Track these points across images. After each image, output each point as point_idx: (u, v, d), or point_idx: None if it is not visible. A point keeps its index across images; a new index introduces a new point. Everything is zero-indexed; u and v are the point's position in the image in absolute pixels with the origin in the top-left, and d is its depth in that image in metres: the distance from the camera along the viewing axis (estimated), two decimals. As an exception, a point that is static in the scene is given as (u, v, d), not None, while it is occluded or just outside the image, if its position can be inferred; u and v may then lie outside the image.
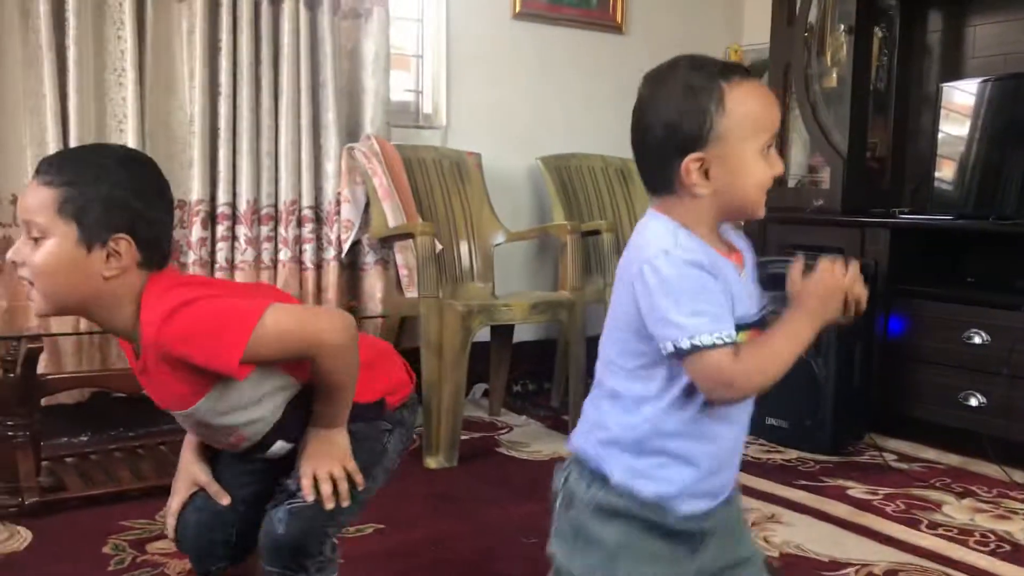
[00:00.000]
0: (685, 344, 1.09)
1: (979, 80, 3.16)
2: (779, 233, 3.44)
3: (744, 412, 1.24)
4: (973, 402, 2.79)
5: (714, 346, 1.09)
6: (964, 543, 2.15)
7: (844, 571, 1.98)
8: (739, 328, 1.15)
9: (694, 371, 1.11)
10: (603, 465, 1.18)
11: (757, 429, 3.03)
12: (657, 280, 1.10)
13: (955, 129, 3.20)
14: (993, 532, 2.23)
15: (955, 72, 3.36)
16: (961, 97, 3.19)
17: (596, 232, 3.23)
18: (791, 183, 3.62)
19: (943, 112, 3.22)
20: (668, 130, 1.15)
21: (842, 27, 3.41)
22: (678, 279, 1.10)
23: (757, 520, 2.27)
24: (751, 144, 1.14)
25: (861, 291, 1.21)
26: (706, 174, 1.14)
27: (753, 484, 2.56)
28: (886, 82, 3.49)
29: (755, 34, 3.99)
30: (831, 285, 1.20)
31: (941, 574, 1.97)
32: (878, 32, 3.44)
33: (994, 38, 3.26)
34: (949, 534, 2.21)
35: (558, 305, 2.92)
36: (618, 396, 1.19)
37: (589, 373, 3.11)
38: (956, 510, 2.39)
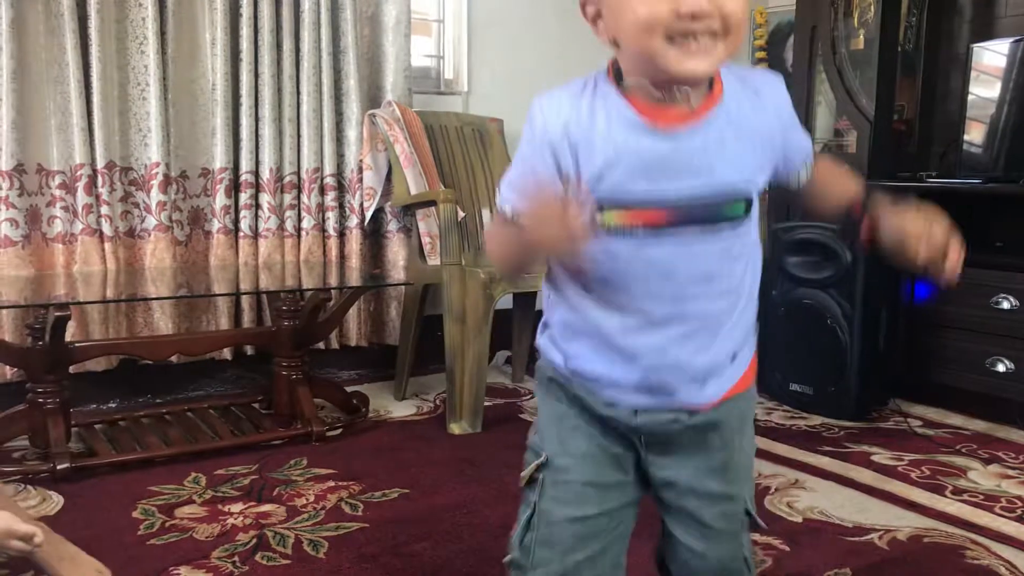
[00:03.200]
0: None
1: (1011, 40, 3.09)
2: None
3: (640, 303, 1.03)
4: (1000, 368, 2.77)
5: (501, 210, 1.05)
6: (990, 509, 2.14)
7: (868, 536, 1.98)
8: (616, 205, 0.98)
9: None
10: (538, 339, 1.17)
11: (781, 394, 3.02)
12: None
13: (985, 91, 3.14)
14: (1020, 498, 2.22)
15: (986, 32, 3.29)
16: (992, 58, 3.13)
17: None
18: (817, 147, 3.57)
19: (973, 74, 3.16)
20: None
21: (870, -12, 3.34)
22: (523, 138, 1.07)
23: (781, 486, 2.27)
24: None
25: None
26: (597, 15, 0.99)
27: (777, 450, 2.56)
28: (914, 43, 3.43)
29: (781, -5, 3.92)
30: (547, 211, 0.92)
31: (966, 540, 1.97)
32: (907, -8, 3.37)
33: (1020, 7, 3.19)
34: (974, 500, 2.20)
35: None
36: None
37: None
38: (982, 476, 2.37)
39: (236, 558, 1.82)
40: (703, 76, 0.95)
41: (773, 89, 1.06)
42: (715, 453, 1.13)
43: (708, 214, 1.01)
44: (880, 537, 1.97)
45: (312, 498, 2.15)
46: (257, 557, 1.83)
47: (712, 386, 1.08)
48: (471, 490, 2.23)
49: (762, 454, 2.52)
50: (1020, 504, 2.18)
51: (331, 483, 2.25)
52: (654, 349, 1.05)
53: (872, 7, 3.34)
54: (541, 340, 1.17)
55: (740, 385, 1.12)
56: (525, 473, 1.18)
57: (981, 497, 2.22)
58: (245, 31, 2.89)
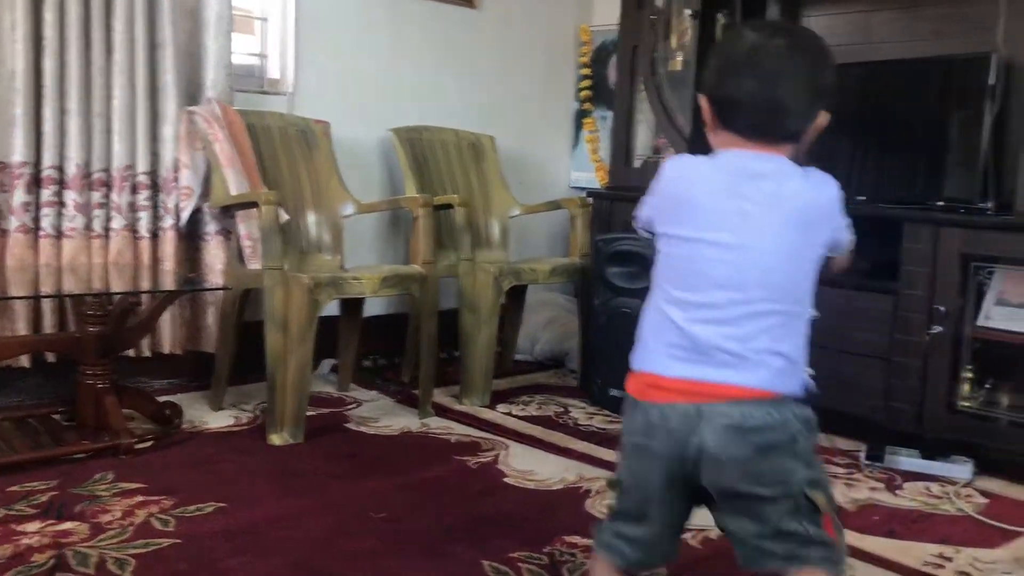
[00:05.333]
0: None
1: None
2: (625, 211, 3.52)
3: None
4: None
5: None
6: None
7: (682, 536, 2.05)
8: None
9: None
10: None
11: (602, 400, 3.11)
12: (841, 207, 1.37)
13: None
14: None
15: (791, 60, 3.50)
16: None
17: (448, 206, 3.21)
18: (636, 163, 3.71)
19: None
20: (822, 85, 1.34)
21: (687, 12, 3.50)
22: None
23: (601, 489, 2.32)
24: None
25: None
26: None
27: (598, 454, 2.62)
28: (727, 67, 3.61)
29: (605, 15, 4.06)
30: None
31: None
32: (720, 18, 3.55)
33: (827, 29, 3.41)
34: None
35: (409, 279, 2.89)
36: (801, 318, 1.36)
37: (441, 347, 3.12)
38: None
39: (31, 581, 1.69)
40: None
41: None
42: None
43: None
44: (693, 536, 2.05)
45: (119, 514, 2.02)
46: (55, 579, 1.71)
47: None
48: (292, 502, 2.16)
49: (584, 457, 2.58)
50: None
51: (140, 498, 2.12)
52: None
53: (689, 31, 3.50)
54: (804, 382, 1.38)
55: None
56: None
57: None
58: (49, 16, 2.70)
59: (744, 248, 1.27)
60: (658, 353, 1.32)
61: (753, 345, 1.27)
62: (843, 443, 2.80)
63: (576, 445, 2.70)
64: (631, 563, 1.38)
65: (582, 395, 3.24)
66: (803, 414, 1.31)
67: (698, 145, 3.45)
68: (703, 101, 1.34)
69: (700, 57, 3.45)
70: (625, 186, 3.66)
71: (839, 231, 1.38)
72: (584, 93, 4.23)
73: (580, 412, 3.07)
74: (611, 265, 3.10)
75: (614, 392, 3.04)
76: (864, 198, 3.02)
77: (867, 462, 2.63)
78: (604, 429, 2.89)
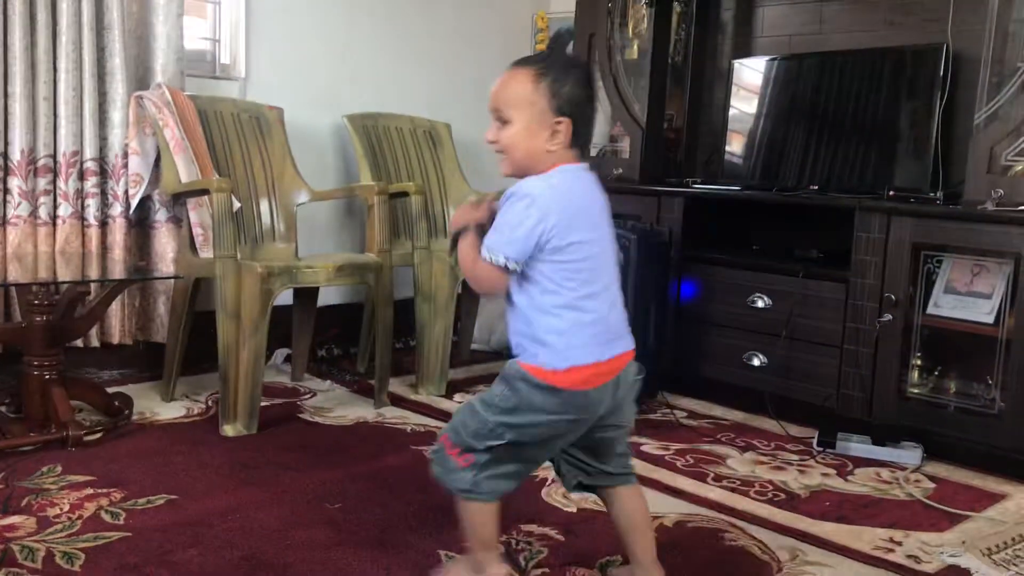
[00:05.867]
0: None
1: (766, 58, 3.35)
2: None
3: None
4: (756, 362, 2.98)
5: None
6: (746, 494, 2.30)
7: (638, 524, 2.06)
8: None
9: None
10: None
11: (558, 390, 3.11)
12: None
13: (745, 105, 3.38)
14: (771, 482, 2.40)
15: (746, 50, 3.54)
16: (750, 74, 3.37)
17: (404, 194, 3.18)
18: (593, 151, 3.71)
19: (734, 88, 3.39)
20: None
21: (643, 0, 3.51)
22: None
23: (557, 478, 2.32)
24: None
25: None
26: None
27: (554, 443, 2.62)
28: (683, 56, 3.63)
29: (562, 2, 4.04)
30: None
31: (726, 523, 2.10)
32: (677, 7, 3.56)
33: (781, 19, 3.46)
34: (733, 486, 2.35)
35: (365, 268, 2.86)
36: None
37: (396, 336, 3.10)
38: (739, 463, 2.55)
39: (-25, 577, 1.65)
40: (505, 175, 1.63)
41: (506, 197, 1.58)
42: None
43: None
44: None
45: (67, 507, 1.98)
46: (1, 573, 1.67)
47: None
48: (245, 494, 2.13)
49: (540, 448, 2.58)
50: (771, 488, 2.35)
51: (89, 491, 2.08)
52: None
53: (645, 19, 3.51)
54: None
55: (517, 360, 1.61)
56: None
57: (738, 483, 2.38)
58: (-7, -2, 2.63)
59: (608, 240, 1.62)
60: (588, 346, 1.56)
61: (623, 316, 1.65)
62: (795, 430, 2.83)
63: (532, 434, 2.70)
64: (510, 492, 1.65)
65: (539, 383, 3.24)
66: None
67: (652, 134, 3.47)
68: (567, 123, 1.56)
69: (656, 45, 3.46)
70: (582, 174, 3.66)
71: None
72: (541, 81, 4.21)
73: (537, 400, 3.07)
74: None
75: (570, 380, 3.05)
76: (816, 187, 3.06)
77: (819, 448, 2.66)
78: (560, 417, 2.90)
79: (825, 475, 2.47)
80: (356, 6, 3.61)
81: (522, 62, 1.61)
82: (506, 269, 1.53)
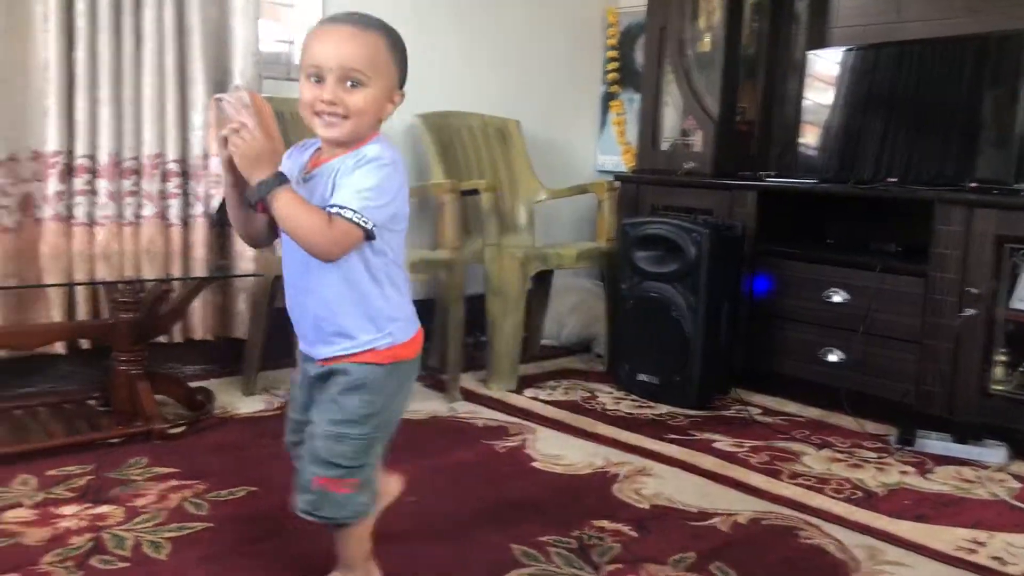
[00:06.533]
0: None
1: (842, 49, 3.28)
2: (652, 195, 3.51)
3: (300, 279, 1.51)
4: (832, 358, 2.93)
5: None
6: (821, 491, 2.27)
7: (711, 521, 2.05)
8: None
9: None
10: None
11: (629, 384, 3.11)
12: None
13: (819, 96, 3.32)
14: (848, 480, 2.36)
15: (821, 40, 3.47)
16: (825, 65, 3.31)
17: (475, 192, 3.21)
18: (664, 146, 3.69)
19: (808, 79, 3.34)
20: None
21: (716, -8, 3.47)
22: None
23: (629, 473, 2.33)
24: (303, 71, 1.47)
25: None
26: None
27: (625, 439, 2.62)
28: (756, 48, 3.58)
29: (632, -4, 4.03)
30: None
31: (800, 521, 2.07)
32: (749, -2, 3.52)
33: (857, 9, 3.38)
34: (808, 483, 2.32)
35: (437, 264, 2.90)
36: None
37: (468, 332, 3.14)
38: (814, 460, 2.51)
39: (70, 563, 1.72)
40: (333, 139, 1.47)
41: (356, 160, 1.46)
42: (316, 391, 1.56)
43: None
44: (722, 521, 2.05)
45: (153, 498, 2.05)
46: (93, 561, 1.74)
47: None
48: (322, 486, 2.18)
49: (611, 442, 2.58)
50: (848, 486, 2.32)
51: (174, 482, 2.15)
52: (297, 307, 1.56)
53: (717, 11, 3.47)
54: None
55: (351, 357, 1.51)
56: None
57: (814, 480, 2.35)
58: (81, 7, 2.73)
59: None
60: (413, 316, 1.59)
61: None
62: (873, 427, 2.78)
63: (604, 430, 2.70)
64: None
65: (609, 380, 3.24)
66: None
67: (724, 127, 3.44)
68: (400, 96, 1.58)
69: (729, 38, 3.42)
70: (652, 169, 3.65)
71: None
72: (611, 76, 4.21)
73: (607, 397, 3.07)
74: (638, 249, 3.08)
75: (643, 377, 3.04)
76: (895, 180, 2.99)
77: (897, 446, 2.61)
78: (632, 414, 2.89)
79: (904, 473, 2.42)
80: (426, 5, 3.64)
81: (364, 23, 1.51)
82: (367, 236, 1.43)
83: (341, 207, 1.40)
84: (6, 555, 1.75)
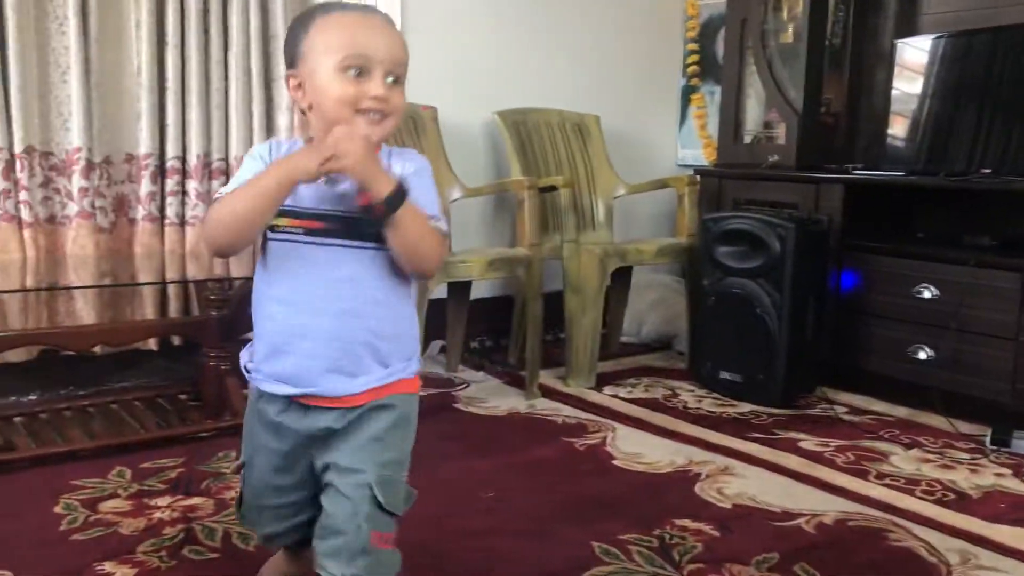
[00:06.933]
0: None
1: (933, 36, 3.18)
2: (734, 189, 3.46)
3: (334, 300, 1.30)
4: (922, 355, 2.85)
5: (218, 198, 1.28)
6: (911, 492, 2.21)
7: (795, 521, 2.02)
8: (285, 213, 1.29)
9: None
10: None
11: (711, 383, 3.07)
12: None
13: (908, 86, 3.22)
14: (939, 481, 2.29)
15: (909, 28, 3.37)
16: (915, 54, 3.21)
17: (553, 188, 3.21)
18: (746, 139, 3.63)
19: (897, 69, 3.24)
20: (284, 54, 1.36)
21: (799, -18, 3.39)
22: (244, 168, 1.32)
23: (711, 472, 2.30)
24: (327, 61, 1.27)
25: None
26: (300, 88, 1.31)
27: (708, 437, 2.59)
28: (841, 38, 3.50)
29: (712, -12, 3.97)
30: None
31: (889, 523, 2.02)
32: (834, -13, 3.43)
33: (949, -6, 3.28)
34: (896, 484, 2.26)
35: (515, 261, 2.91)
36: None
37: (546, 329, 3.14)
38: (903, 461, 2.44)
39: (163, 552, 1.78)
40: (378, 139, 1.32)
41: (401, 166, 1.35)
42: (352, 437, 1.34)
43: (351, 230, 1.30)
44: (807, 522, 2.01)
45: (242, 491, 2.11)
46: (185, 551, 1.80)
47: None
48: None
49: (693, 441, 2.56)
50: (939, 487, 2.25)
51: (261, 475, 2.21)
52: (287, 332, 1.35)
53: (801, 1, 3.40)
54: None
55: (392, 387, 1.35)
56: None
57: (903, 481, 2.29)
58: (171, 14, 2.81)
59: None
60: None
61: None
62: (965, 427, 2.69)
63: (685, 428, 2.68)
64: None
65: (690, 378, 3.21)
66: None
67: (809, 119, 3.36)
68: None
69: (813, 28, 3.34)
70: (734, 163, 3.59)
71: None
72: (691, 68, 4.15)
73: (689, 395, 3.04)
74: (720, 244, 3.04)
75: (725, 375, 3.00)
76: (989, 171, 2.88)
77: (992, 446, 2.52)
78: (714, 412, 2.86)
79: (999, 475, 2.34)
80: (506, 3, 3.65)
81: (385, 17, 1.35)
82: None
83: (437, 218, 1.32)
84: (105, 543, 1.82)
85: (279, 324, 1.33)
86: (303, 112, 1.33)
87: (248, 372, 1.39)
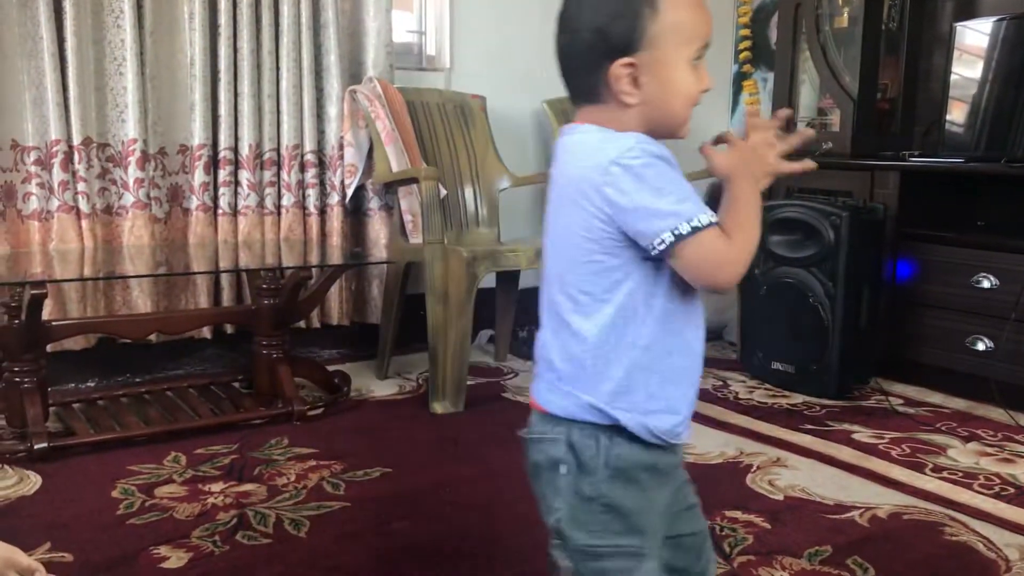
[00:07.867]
0: (685, 228, 0.98)
1: (994, 19, 3.09)
2: (787, 177, 3.40)
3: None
4: (980, 346, 2.78)
5: (710, 224, 1.00)
6: (969, 486, 2.16)
7: (849, 514, 1.99)
8: None
9: (692, 255, 1.00)
10: (613, 413, 1.06)
11: (763, 373, 3.03)
12: (632, 178, 0.99)
13: (967, 70, 3.14)
14: (998, 475, 2.24)
15: (969, 11, 3.28)
16: (974, 37, 3.13)
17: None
18: (800, 125, 3.57)
19: (956, 53, 3.16)
20: (597, 34, 1.02)
21: (854, -35, 3.32)
22: (654, 173, 1.00)
23: (763, 464, 2.28)
24: (683, 52, 1.04)
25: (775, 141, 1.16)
26: (635, 82, 1.03)
27: (759, 428, 2.56)
28: (898, 22, 3.41)
29: (765, -27, 3.90)
30: (747, 146, 1.16)
31: (945, 517, 1.98)
32: (890, -30, 3.36)
33: (1007, -24, 3.18)
34: (954, 477, 2.22)
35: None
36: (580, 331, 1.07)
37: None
38: (961, 454, 2.39)
39: (217, 537, 1.81)
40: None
41: None
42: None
43: None
44: (861, 515, 1.98)
45: (293, 477, 2.13)
46: (238, 536, 1.82)
47: None
48: (453, 469, 2.22)
49: (744, 432, 2.53)
50: (998, 481, 2.20)
51: (312, 462, 2.23)
52: (702, 354, 1.17)
53: (856, -15, 3.33)
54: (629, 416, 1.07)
55: None
56: None
57: (960, 474, 2.24)
58: (223, 5, 2.84)
59: (546, 236, 1.13)
60: None
61: (540, 352, 1.14)
62: (1027, 420, 2.63)
63: (736, 419, 2.65)
64: None
65: (741, 368, 3.17)
66: (582, 443, 1.09)
67: (864, 105, 3.30)
68: None
69: (868, 12, 3.27)
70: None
71: (623, 213, 1.01)
72: (744, 54, 4.09)
73: (740, 386, 3.01)
74: (773, 233, 3.00)
75: (777, 365, 2.96)
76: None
77: (1054, 441, 2.46)
78: (765, 403, 2.82)
79: (1061, 470, 2.28)
80: (555, -9, 3.63)
81: None
82: None
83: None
84: (161, 527, 1.85)
85: (698, 352, 1.14)
86: (626, 105, 1.05)
87: (679, 435, 1.13)
